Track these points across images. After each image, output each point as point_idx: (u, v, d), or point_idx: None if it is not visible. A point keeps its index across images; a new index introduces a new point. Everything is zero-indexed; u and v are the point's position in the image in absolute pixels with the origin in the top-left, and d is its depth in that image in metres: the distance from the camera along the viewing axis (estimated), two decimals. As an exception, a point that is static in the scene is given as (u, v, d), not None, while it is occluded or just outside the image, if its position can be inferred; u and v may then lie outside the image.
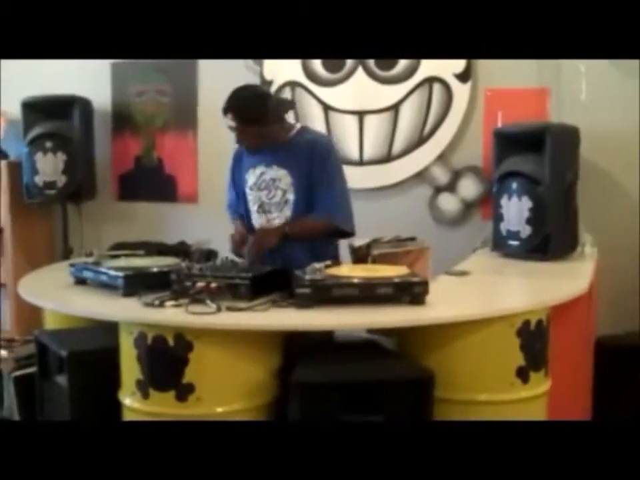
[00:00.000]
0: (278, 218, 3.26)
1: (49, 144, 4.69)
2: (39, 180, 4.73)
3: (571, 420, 2.82)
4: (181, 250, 3.47)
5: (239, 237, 3.19)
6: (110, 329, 2.66)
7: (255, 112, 3.14)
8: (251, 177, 3.33)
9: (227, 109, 3.15)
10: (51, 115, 4.75)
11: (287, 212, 3.25)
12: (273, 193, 3.27)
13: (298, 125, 3.39)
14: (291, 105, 3.62)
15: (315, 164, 3.21)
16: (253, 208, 3.34)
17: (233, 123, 3.13)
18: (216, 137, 4.74)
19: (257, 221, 3.33)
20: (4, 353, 4.28)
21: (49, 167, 4.71)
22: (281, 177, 3.25)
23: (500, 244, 3.83)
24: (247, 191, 3.35)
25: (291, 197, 3.24)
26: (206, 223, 4.63)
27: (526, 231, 3.67)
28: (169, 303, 2.60)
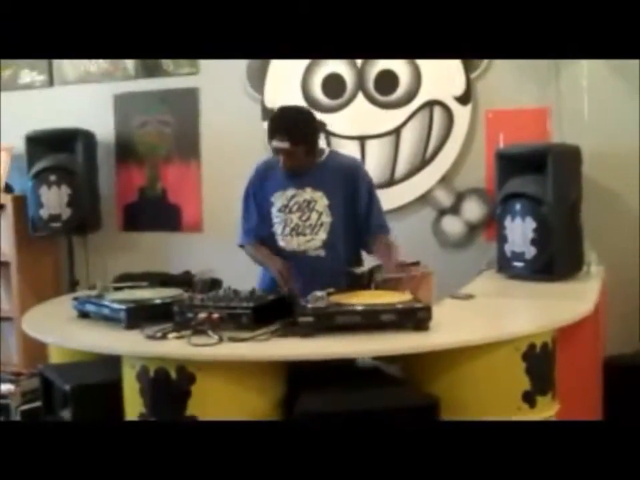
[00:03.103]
0: (313, 240, 3.24)
1: (53, 177, 4.71)
2: (43, 213, 4.75)
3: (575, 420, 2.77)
4: (185, 280, 3.47)
5: (287, 270, 3.11)
6: (114, 362, 2.65)
7: (305, 129, 3.16)
8: (280, 199, 3.27)
9: (276, 130, 3.11)
10: (55, 149, 4.78)
11: (323, 234, 3.24)
12: (307, 215, 3.23)
13: (327, 149, 3.40)
14: (323, 124, 3.54)
15: (359, 189, 3.27)
16: (281, 231, 3.28)
17: (282, 145, 3.10)
18: (219, 165, 4.78)
19: (288, 244, 3.27)
20: (11, 387, 4.28)
21: (54, 200, 4.73)
22: (317, 199, 3.23)
23: (505, 265, 3.81)
24: (274, 213, 3.29)
25: (327, 219, 3.23)
26: (211, 252, 4.63)
27: (530, 252, 3.65)
28: (171, 335, 2.59)
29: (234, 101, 4.70)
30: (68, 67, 5.12)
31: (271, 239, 3.31)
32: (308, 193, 3.23)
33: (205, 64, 4.82)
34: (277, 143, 3.11)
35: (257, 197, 3.34)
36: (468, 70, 4.26)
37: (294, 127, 3.12)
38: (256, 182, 3.36)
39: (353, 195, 3.25)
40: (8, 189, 5.02)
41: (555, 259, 3.59)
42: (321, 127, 3.35)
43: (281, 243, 3.28)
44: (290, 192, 3.25)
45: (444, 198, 4.41)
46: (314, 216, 3.23)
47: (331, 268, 3.19)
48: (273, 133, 3.12)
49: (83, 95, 5.08)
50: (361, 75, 4.46)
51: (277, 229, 3.29)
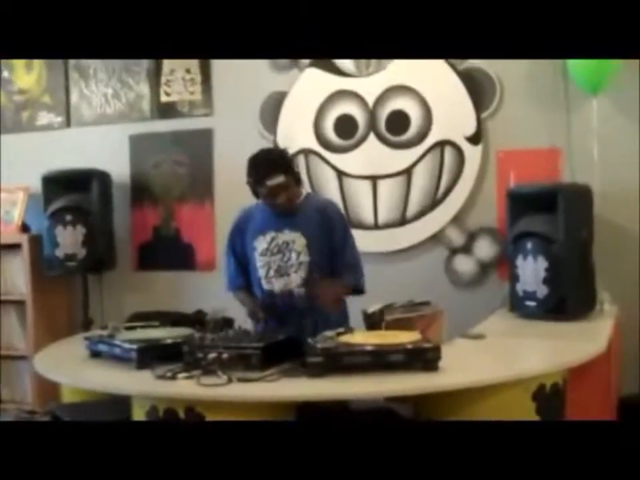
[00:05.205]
0: (294, 280, 3.32)
1: (68, 217, 4.77)
2: (59, 253, 4.80)
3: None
4: (197, 319, 3.47)
5: (259, 313, 3.29)
6: (125, 401, 2.66)
7: (288, 160, 3.31)
8: (262, 244, 3.36)
9: (266, 171, 3.18)
10: (71, 189, 4.84)
11: (302, 273, 3.31)
12: (287, 255, 3.31)
13: (304, 192, 3.48)
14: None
15: (335, 227, 3.34)
16: (265, 274, 3.36)
17: (278, 180, 3.17)
18: (232, 205, 4.76)
19: (273, 285, 3.35)
20: (25, 426, 4.29)
21: (69, 239, 4.78)
22: (294, 239, 3.31)
23: (517, 305, 3.80)
24: (257, 257, 3.38)
25: (305, 258, 3.30)
26: (223, 291, 4.61)
27: (542, 291, 3.64)
28: (180, 375, 2.60)
29: (247, 141, 4.73)
30: (85, 108, 5.21)
31: (256, 283, 3.41)
32: (286, 235, 3.32)
33: (219, 106, 4.90)
34: (271, 182, 3.18)
35: (236, 247, 3.48)
36: (478, 110, 4.30)
37: (281, 161, 3.25)
38: (235, 233, 3.50)
39: (328, 234, 3.33)
40: (24, 228, 5.09)
41: (567, 298, 3.58)
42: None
43: (266, 286, 3.37)
44: (269, 235, 3.35)
45: (456, 237, 4.41)
46: (293, 256, 3.31)
47: (312, 306, 3.26)
48: (263, 176, 3.19)
49: (99, 136, 5.17)
50: (372, 116, 4.51)
51: (261, 272, 3.37)
